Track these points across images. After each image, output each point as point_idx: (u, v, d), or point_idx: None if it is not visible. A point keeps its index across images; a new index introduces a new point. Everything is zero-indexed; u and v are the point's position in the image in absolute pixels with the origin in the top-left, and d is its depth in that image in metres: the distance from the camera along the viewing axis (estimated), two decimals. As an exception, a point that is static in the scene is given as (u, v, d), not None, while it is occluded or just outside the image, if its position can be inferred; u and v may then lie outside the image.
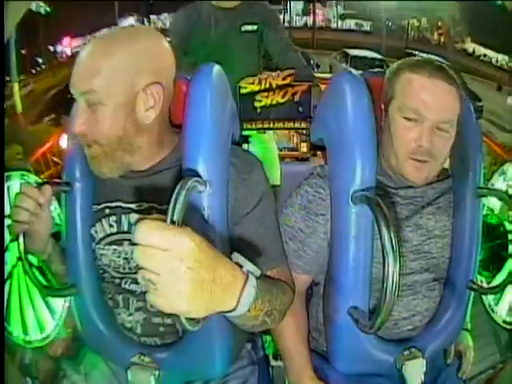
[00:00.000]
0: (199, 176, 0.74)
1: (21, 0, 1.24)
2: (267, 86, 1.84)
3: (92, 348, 0.91)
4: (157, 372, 0.81)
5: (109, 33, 0.77)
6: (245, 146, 1.88)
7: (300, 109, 1.87)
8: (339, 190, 0.81)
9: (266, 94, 1.85)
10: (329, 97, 0.91)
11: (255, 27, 1.84)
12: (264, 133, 2.00)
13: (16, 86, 8.55)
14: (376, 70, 1.09)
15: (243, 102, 1.80)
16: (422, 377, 0.85)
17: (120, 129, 0.75)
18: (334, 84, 0.88)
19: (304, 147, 3.52)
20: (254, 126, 1.86)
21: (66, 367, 0.93)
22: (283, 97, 1.86)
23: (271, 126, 1.89)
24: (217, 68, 0.81)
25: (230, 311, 0.56)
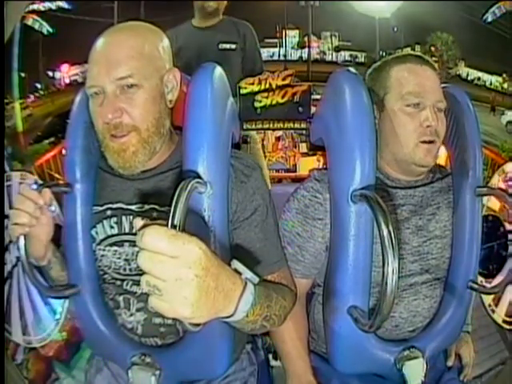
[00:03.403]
0: (200, 177, 0.74)
1: (21, 0, 1.24)
2: (267, 86, 1.85)
3: (92, 349, 0.91)
4: (157, 372, 0.80)
5: (121, 26, 0.81)
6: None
7: (300, 109, 1.88)
8: (339, 188, 0.81)
9: (265, 94, 1.86)
10: (327, 95, 0.91)
11: (233, 46, 1.88)
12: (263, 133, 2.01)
13: (17, 105, 8.60)
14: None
15: (243, 102, 1.81)
16: (422, 377, 0.84)
17: (157, 111, 0.79)
18: (333, 82, 0.88)
19: (304, 147, 3.52)
20: (254, 126, 1.87)
21: (58, 370, 0.93)
22: (283, 97, 1.87)
23: (271, 126, 1.89)
24: (217, 68, 0.81)
25: (228, 317, 0.57)
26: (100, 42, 0.77)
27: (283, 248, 0.88)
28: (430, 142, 0.85)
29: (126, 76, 0.74)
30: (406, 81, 0.86)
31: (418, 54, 0.91)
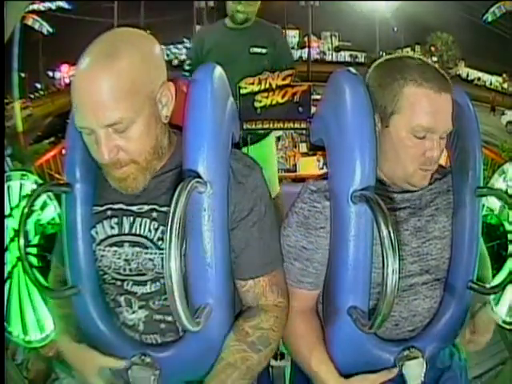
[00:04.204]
0: (200, 177, 0.74)
1: (21, 0, 1.24)
2: (267, 86, 1.85)
3: (92, 348, 0.91)
4: (157, 372, 0.81)
5: (103, 51, 0.70)
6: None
7: (300, 109, 1.87)
8: (339, 189, 0.81)
9: (265, 94, 1.85)
10: (328, 95, 0.91)
11: (264, 50, 1.94)
12: (268, 134, 2.02)
13: (17, 106, 8.60)
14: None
15: (243, 102, 1.81)
16: (422, 377, 0.85)
17: (153, 138, 0.76)
18: (333, 82, 0.87)
19: (304, 147, 3.52)
20: (253, 126, 1.86)
21: (58, 370, 0.92)
22: (283, 97, 1.87)
23: (271, 126, 1.89)
24: (217, 68, 0.81)
25: None
26: (81, 76, 0.69)
27: (290, 264, 0.88)
28: (429, 169, 0.85)
29: (115, 122, 0.70)
30: (420, 109, 0.80)
31: (440, 71, 0.82)
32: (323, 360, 0.86)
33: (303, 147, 3.59)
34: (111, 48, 0.70)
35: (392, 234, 0.66)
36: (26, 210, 0.82)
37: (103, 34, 0.74)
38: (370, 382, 0.84)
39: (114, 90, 0.68)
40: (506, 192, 0.95)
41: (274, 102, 1.87)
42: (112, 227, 0.83)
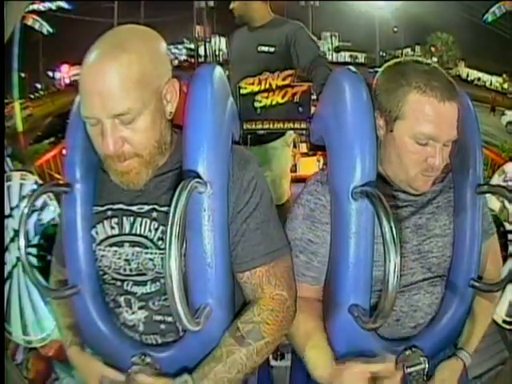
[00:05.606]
0: (200, 177, 0.74)
1: (21, 0, 1.24)
2: (267, 86, 1.84)
3: (92, 349, 0.91)
4: (157, 372, 0.80)
5: (112, 43, 0.72)
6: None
7: (300, 109, 1.87)
8: (339, 186, 0.81)
9: (265, 94, 1.85)
10: (328, 94, 0.91)
11: (272, 49, 1.92)
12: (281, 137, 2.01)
13: (17, 106, 8.59)
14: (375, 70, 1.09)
15: (243, 102, 1.80)
16: (424, 376, 0.84)
17: (158, 133, 0.76)
18: (333, 81, 0.88)
19: (304, 147, 3.51)
20: (253, 126, 1.86)
21: (58, 370, 0.92)
22: (283, 97, 1.86)
23: (271, 126, 1.89)
24: (217, 68, 0.81)
25: None
26: (90, 66, 0.70)
27: (295, 256, 0.88)
28: (431, 175, 0.85)
29: (123, 113, 0.70)
30: (423, 118, 0.80)
31: (447, 78, 0.81)
32: (317, 343, 0.84)
33: (303, 147, 3.59)
34: (120, 41, 0.72)
35: (393, 229, 0.66)
36: (25, 210, 0.82)
37: (111, 30, 0.76)
38: (359, 369, 0.79)
39: (124, 80, 0.70)
40: (506, 188, 0.95)
41: (274, 102, 1.86)
42: (112, 227, 0.83)
